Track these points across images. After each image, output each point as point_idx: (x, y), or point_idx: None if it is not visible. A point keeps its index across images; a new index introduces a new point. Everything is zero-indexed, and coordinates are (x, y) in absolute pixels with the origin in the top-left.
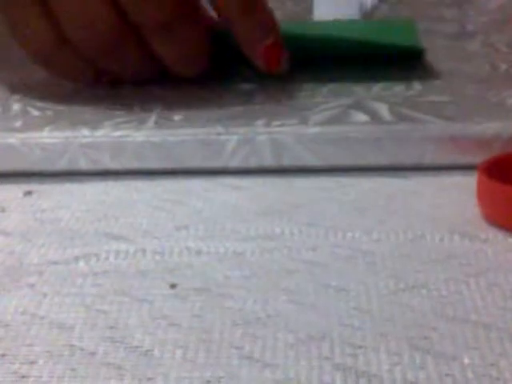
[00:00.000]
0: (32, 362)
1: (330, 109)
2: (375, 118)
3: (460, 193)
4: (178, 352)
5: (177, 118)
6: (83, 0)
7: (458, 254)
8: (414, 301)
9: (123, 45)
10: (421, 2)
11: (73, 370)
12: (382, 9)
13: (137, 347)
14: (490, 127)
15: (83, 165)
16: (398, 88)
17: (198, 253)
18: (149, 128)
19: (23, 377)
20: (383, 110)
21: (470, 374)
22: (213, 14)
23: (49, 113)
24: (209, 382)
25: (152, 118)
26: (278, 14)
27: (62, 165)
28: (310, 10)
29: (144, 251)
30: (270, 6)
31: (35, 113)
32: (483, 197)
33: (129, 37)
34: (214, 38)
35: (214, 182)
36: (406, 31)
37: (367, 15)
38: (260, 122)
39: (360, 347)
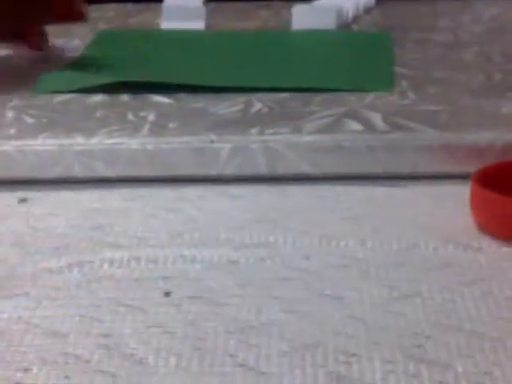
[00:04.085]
0: (26, 370)
1: (323, 117)
2: (369, 126)
3: (454, 202)
4: (172, 360)
5: (171, 125)
6: None
7: (451, 263)
8: (407, 309)
9: None
10: (415, 10)
11: (67, 377)
12: (364, 19)
13: (131, 355)
14: (483, 136)
15: (78, 172)
16: (392, 97)
17: (193, 261)
18: (143, 136)
19: None
20: (377, 118)
21: (463, 383)
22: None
23: (43, 120)
24: None
25: (146, 126)
26: (257, 24)
27: (56, 172)
28: (288, 20)
29: (138, 259)
30: None
31: (30, 120)
32: (476, 206)
33: None
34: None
35: (208, 189)
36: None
37: (344, 26)
38: (254, 131)
39: (354, 355)
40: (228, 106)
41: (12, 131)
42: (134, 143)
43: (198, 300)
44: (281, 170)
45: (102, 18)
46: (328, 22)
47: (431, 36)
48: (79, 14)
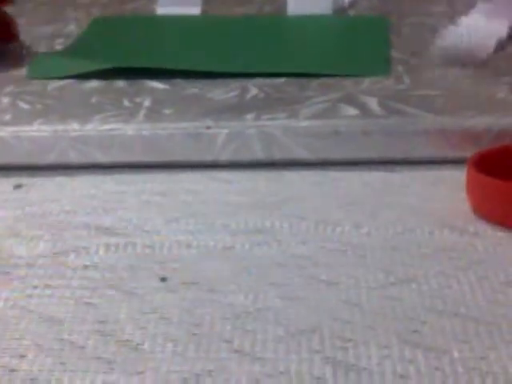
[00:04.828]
0: (22, 356)
1: (319, 102)
2: (365, 111)
3: (450, 186)
4: (169, 346)
5: (167, 111)
6: None
7: (447, 247)
8: (403, 294)
9: None
10: None
11: (62, 363)
12: (361, 4)
13: (127, 341)
14: (479, 121)
15: (73, 158)
16: (388, 82)
17: (188, 246)
18: (138, 122)
19: (13, 370)
20: (373, 103)
21: (459, 368)
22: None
23: (38, 106)
24: (199, 375)
25: (142, 112)
26: (253, 10)
27: (51, 158)
28: (284, 5)
29: (134, 245)
30: None
31: (25, 106)
32: (473, 190)
33: None
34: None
35: (204, 175)
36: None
37: (341, 11)
38: (250, 116)
39: (350, 340)
40: (224, 92)
41: (7, 117)
42: (129, 129)
43: (194, 286)
44: (277, 155)
45: (96, 3)
46: (324, 7)
47: (428, 21)
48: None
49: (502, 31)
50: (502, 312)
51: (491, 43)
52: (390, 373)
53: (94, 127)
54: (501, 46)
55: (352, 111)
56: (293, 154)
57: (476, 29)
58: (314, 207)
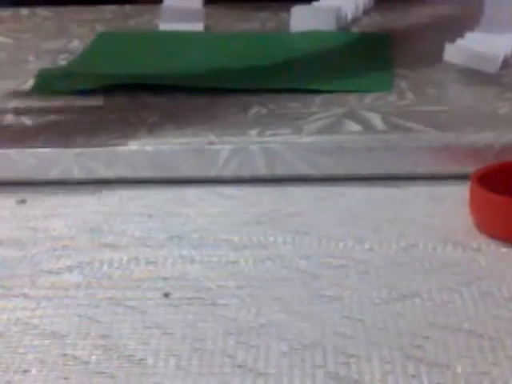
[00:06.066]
0: (25, 371)
1: (323, 118)
2: (368, 127)
3: (453, 202)
4: (172, 361)
5: (170, 127)
6: None
7: (450, 263)
8: (406, 310)
9: None
10: (414, 12)
11: (66, 378)
12: (363, 21)
13: (130, 356)
14: (482, 137)
15: (76, 174)
16: (391, 98)
17: (192, 262)
18: (142, 137)
19: None
20: (376, 119)
21: (462, 383)
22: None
23: (42, 122)
24: None
25: (145, 127)
26: (256, 26)
27: (55, 174)
28: (287, 21)
29: (137, 260)
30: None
31: (28, 122)
32: (476, 206)
33: None
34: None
35: (208, 191)
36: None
37: (344, 28)
38: (253, 132)
39: (353, 356)
40: (227, 108)
41: (11, 133)
42: (132, 144)
43: (197, 301)
44: (280, 171)
45: (100, 19)
46: (327, 24)
47: (431, 37)
48: None
49: (508, 47)
50: (506, 327)
51: (499, 59)
52: None
53: (97, 143)
54: (506, 61)
55: (355, 127)
56: (296, 169)
57: (483, 44)
58: (317, 222)
